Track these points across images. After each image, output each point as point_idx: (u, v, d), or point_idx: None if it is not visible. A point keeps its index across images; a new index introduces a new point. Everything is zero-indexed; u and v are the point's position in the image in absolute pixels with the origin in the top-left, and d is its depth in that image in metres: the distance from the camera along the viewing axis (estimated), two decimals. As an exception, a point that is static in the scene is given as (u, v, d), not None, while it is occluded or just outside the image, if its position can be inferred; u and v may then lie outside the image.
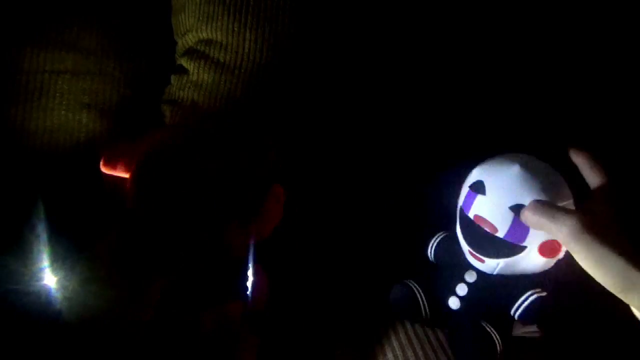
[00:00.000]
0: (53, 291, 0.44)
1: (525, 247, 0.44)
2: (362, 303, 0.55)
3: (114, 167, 0.39)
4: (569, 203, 0.43)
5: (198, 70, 0.55)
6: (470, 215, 0.45)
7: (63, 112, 0.54)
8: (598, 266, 0.36)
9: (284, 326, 0.50)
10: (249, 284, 0.41)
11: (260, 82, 0.54)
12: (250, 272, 0.41)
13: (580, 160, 0.42)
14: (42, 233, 0.47)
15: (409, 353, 0.48)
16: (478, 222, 0.45)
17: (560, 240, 0.39)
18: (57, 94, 0.54)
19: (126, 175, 0.39)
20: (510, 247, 0.44)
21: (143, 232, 0.36)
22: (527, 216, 0.41)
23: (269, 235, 0.44)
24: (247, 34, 0.54)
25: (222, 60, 0.54)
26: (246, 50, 0.54)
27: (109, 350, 0.33)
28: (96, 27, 0.55)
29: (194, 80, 0.55)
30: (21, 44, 0.54)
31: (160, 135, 0.40)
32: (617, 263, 0.35)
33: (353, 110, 0.62)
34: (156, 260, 0.35)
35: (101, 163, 0.40)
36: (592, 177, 0.41)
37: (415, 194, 0.60)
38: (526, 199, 0.42)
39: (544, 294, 0.47)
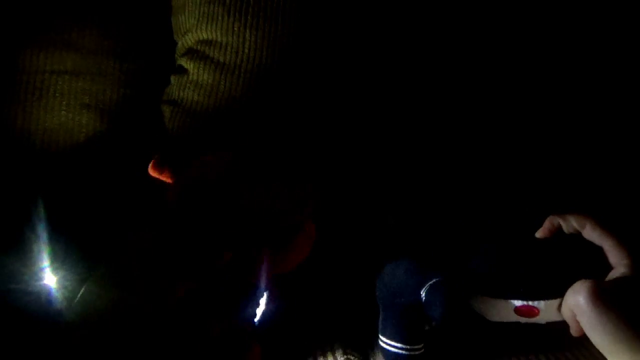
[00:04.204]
0: (53, 291, 0.44)
1: None
2: (364, 306, 0.54)
3: (160, 173, 0.44)
4: None
5: (198, 70, 0.55)
6: None
7: (63, 112, 0.54)
8: (603, 333, 0.36)
9: (285, 331, 0.50)
10: (259, 310, 0.42)
11: (260, 82, 0.54)
12: (262, 300, 0.42)
13: (603, 239, 0.42)
14: (42, 233, 0.47)
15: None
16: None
17: (576, 307, 0.38)
18: (57, 94, 0.54)
19: (169, 181, 0.44)
20: None
21: (178, 236, 0.39)
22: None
23: (293, 269, 0.45)
24: (247, 34, 0.54)
25: (222, 60, 0.54)
26: (246, 50, 0.54)
27: (114, 351, 0.33)
28: (96, 27, 0.55)
29: (194, 80, 0.55)
30: (21, 44, 0.54)
31: (211, 159, 0.45)
32: (624, 332, 0.35)
33: (354, 111, 0.62)
34: (183, 266, 0.37)
35: (150, 166, 0.44)
36: (612, 252, 0.41)
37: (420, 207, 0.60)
38: None
39: None
